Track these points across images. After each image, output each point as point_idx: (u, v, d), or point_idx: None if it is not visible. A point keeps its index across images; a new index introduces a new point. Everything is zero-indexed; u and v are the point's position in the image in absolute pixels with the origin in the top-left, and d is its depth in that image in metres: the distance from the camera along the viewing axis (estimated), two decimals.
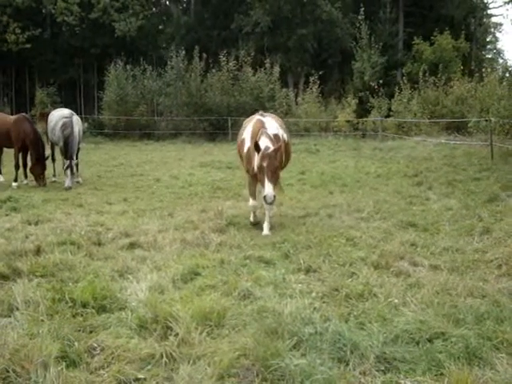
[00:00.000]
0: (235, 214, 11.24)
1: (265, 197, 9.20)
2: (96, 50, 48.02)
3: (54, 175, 17.44)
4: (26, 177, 16.68)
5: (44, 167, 16.22)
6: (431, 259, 7.79)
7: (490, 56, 52.12)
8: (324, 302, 6.02)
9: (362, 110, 34.40)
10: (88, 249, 8.43)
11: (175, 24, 51.12)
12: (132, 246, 8.78)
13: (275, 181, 9.42)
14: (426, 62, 35.15)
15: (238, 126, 19.38)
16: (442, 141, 25.12)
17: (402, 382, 4.27)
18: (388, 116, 31.86)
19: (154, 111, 38.37)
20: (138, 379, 4.37)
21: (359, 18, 37.27)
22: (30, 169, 16.25)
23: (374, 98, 33.52)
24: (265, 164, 9.24)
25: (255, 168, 9.62)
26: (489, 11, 57.43)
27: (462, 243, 8.68)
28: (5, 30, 46.14)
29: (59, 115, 17.16)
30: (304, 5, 45.45)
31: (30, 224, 10.43)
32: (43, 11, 49.46)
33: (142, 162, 23.28)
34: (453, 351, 4.59)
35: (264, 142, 9.46)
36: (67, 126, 16.30)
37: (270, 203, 9.31)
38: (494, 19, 61.17)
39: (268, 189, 9.13)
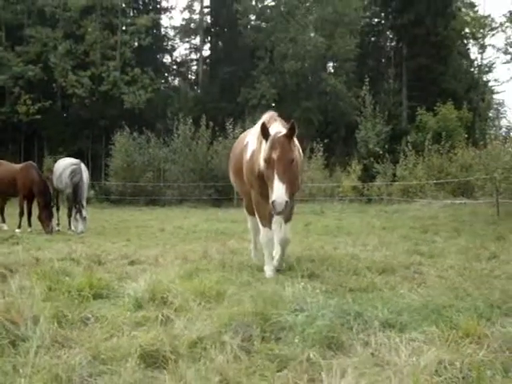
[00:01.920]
0: (239, 247, 11.08)
1: (273, 202, 6.23)
2: (105, 121, 48.81)
3: (58, 224, 17.37)
4: (29, 225, 16.60)
5: (52, 214, 16.19)
6: (438, 271, 7.59)
7: (493, 131, 52.54)
8: (327, 293, 5.82)
9: (367, 177, 34.56)
10: (88, 265, 8.27)
11: (183, 97, 52.30)
12: (132, 263, 8.63)
13: (288, 181, 6.53)
14: (429, 130, 35.52)
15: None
16: (448, 201, 25.06)
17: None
18: (393, 182, 31.96)
19: (160, 178, 38.65)
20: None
21: (363, 89, 37.98)
22: (38, 216, 16.18)
23: (378, 164, 33.74)
24: (275, 155, 6.51)
25: (261, 163, 6.98)
26: (491, 88, 58.61)
27: (470, 265, 8.47)
28: (16, 101, 47.09)
29: (67, 163, 17.32)
30: (309, 78, 46.49)
31: (30, 250, 10.30)
32: (54, 84, 50.71)
33: (147, 219, 23.25)
34: (462, 311, 4.40)
35: (275, 127, 7.03)
36: (76, 172, 16.45)
37: (280, 212, 6.34)
38: (496, 96, 62.45)
39: (278, 191, 6.27)
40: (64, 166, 17.19)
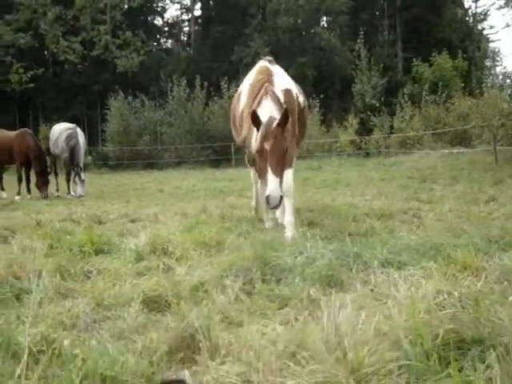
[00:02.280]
0: (238, 203, 11.11)
1: (267, 197, 5.84)
2: (98, 86, 48.53)
3: (58, 190, 17.33)
4: (29, 192, 16.57)
5: (48, 180, 16.20)
6: (436, 215, 7.63)
7: (489, 79, 52.14)
8: (327, 239, 5.86)
9: (364, 130, 34.45)
10: (88, 224, 8.30)
11: (176, 59, 51.84)
12: (132, 221, 8.67)
13: (282, 173, 6.13)
14: (426, 81, 35.27)
15: (241, 152, 19.28)
16: (446, 151, 25.04)
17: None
18: (391, 134, 31.87)
19: (156, 141, 38.53)
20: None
21: (358, 42, 37.61)
22: (36, 182, 16.20)
23: (375, 117, 33.60)
24: (267, 146, 6.00)
25: (252, 151, 6.63)
26: (486, 36, 57.99)
27: (468, 208, 8.49)
28: (8, 70, 46.64)
29: (62, 128, 17.26)
30: (302, 34, 46.01)
31: (30, 214, 10.32)
32: (46, 51, 50.21)
33: (145, 182, 23.26)
34: (460, 247, 4.43)
35: (267, 110, 6.35)
36: (72, 136, 16.43)
37: (274, 207, 6.01)
38: (492, 44, 61.85)
39: (272, 185, 5.85)
40: (60, 130, 17.14)
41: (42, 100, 49.68)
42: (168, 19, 64.72)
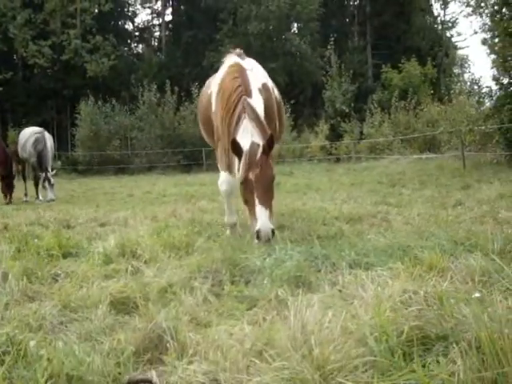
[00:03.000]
0: (209, 207, 11.10)
1: (258, 232, 5.27)
2: (69, 91, 48.06)
3: (26, 194, 17.12)
4: None
5: (12, 185, 15.98)
6: (404, 219, 7.70)
7: (458, 86, 52.96)
8: (296, 242, 5.88)
9: (335, 136, 34.68)
10: (56, 229, 8.21)
11: (147, 64, 51.61)
12: (102, 225, 8.62)
13: (271, 203, 5.67)
14: (395, 88, 35.69)
15: (212, 158, 19.26)
16: (415, 156, 25.33)
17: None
18: (360, 140, 32.16)
19: (127, 146, 38.32)
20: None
21: (328, 48, 37.88)
22: (0, 187, 16.02)
23: (345, 123, 33.87)
24: (253, 177, 5.49)
25: (237, 180, 5.96)
26: (455, 43, 58.84)
27: (436, 212, 8.58)
28: None
29: (30, 132, 17.12)
30: (273, 40, 46.21)
31: None
32: (15, 54, 49.62)
33: (115, 187, 23.09)
34: (426, 249, 4.49)
35: (247, 135, 5.75)
36: (40, 140, 16.29)
37: (268, 241, 5.26)
38: (460, 52, 62.84)
39: (262, 218, 5.32)
40: (27, 134, 17.00)
41: (11, 104, 48.97)
42: (139, 24, 64.43)
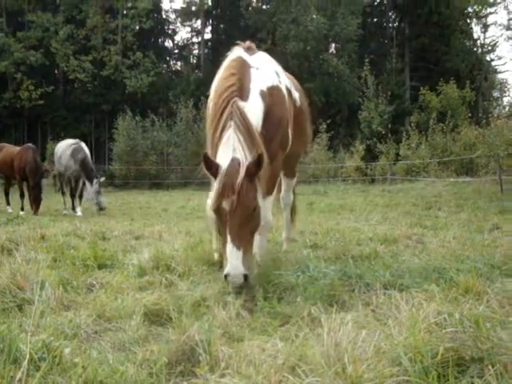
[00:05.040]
0: None
1: (226, 276, 4.20)
2: (107, 106, 48.93)
3: (65, 208, 17.27)
4: (22, 209, 16.63)
5: (39, 196, 16.14)
6: (440, 241, 7.61)
7: (496, 110, 52.56)
8: (330, 260, 5.86)
9: (370, 157, 34.52)
10: (92, 240, 8.32)
11: (185, 81, 52.23)
12: (137, 238, 8.71)
13: (248, 242, 4.43)
14: (433, 110, 35.43)
15: None
16: (451, 179, 25.06)
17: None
18: (396, 161, 31.94)
19: (163, 161, 38.73)
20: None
21: (365, 69, 37.85)
22: (29, 198, 16.32)
23: (382, 144, 33.71)
24: (227, 206, 4.30)
25: (208, 207, 4.82)
26: (495, 67, 58.32)
27: (472, 236, 8.46)
28: (18, 87, 47.24)
29: (65, 144, 17.33)
30: (311, 60, 46.37)
31: (35, 229, 10.34)
32: (56, 69, 50.78)
33: (150, 201, 23.33)
34: (462, 272, 4.43)
35: (227, 150, 4.51)
36: (78, 150, 16.50)
37: (239, 287, 4.24)
38: (500, 75, 62.22)
39: (232, 260, 4.21)
40: (64, 147, 17.17)
41: (51, 117, 50.08)
42: (178, 42, 65.42)
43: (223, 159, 4.44)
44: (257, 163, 4.35)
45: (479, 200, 17.60)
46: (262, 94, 5.07)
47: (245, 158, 4.42)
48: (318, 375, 2.45)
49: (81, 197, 16.92)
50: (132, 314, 3.69)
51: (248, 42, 5.79)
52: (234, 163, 4.37)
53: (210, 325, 3.29)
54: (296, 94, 6.25)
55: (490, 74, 55.77)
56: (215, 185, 4.39)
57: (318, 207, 16.89)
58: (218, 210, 4.36)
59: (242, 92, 4.84)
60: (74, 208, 16.80)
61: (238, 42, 5.81)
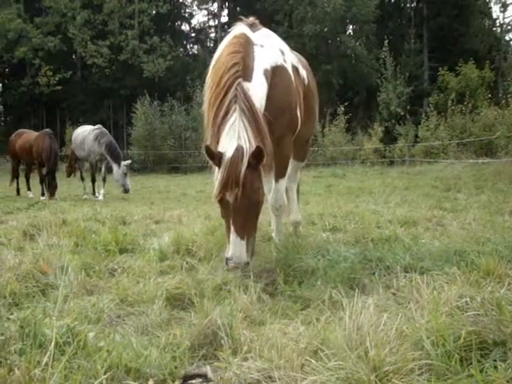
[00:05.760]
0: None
1: (227, 260, 4.31)
2: (125, 90, 49.01)
3: (86, 193, 17.38)
4: (42, 194, 16.81)
5: (55, 183, 16.23)
6: (460, 224, 7.57)
7: None
8: (350, 244, 5.87)
9: (389, 139, 34.33)
10: (113, 225, 8.38)
11: (202, 64, 52.09)
12: (157, 222, 8.77)
13: (251, 232, 4.46)
14: (451, 91, 35.06)
15: None
16: (471, 161, 24.86)
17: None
18: (415, 143, 31.73)
19: (181, 145, 38.79)
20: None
21: (383, 50, 37.52)
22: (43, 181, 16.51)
23: (400, 125, 33.48)
24: (230, 198, 4.25)
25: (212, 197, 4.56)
26: None
27: (492, 218, 8.40)
28: (37, 73, 47.46)
29: (86, 129, 17.33)
30: (328, 41, 46.04)
31: (56, 213, 10.44)
32: (74, 54, 50.95)
33: (169, 185, 23.42)
34: (483, 254, 4.41)
35: (232, 138, 4.32)
36: (103, 133, 16.58)
37: (237, 268, 4.27)
38: None
39: (236, 247, 4.25)
40: (85, 132, 17.18)
41: (70, 103, 50.36)
42: (195, 25, 65.31)
43: (227, 147, 4.28)
44: (257, 155, 4.18)
45: (499, 181, 17.43)
46: (266, 73, 4.83)
47: (250, 146, 4.25)
48: (341, 359, 2.46)
49: (104, 180, 17.02)
50: (154, 298, 3.73)
51: (252, 18, 5.46)
52: (239, 152, 4.21)
53: (231, 309, 3.32)
54: (304, 73, 5.96)
55: (510, 54, 54.89)
56: (218, 174, 4.27)
57: (336, 190, 16.85)
58: (221, 200, 4.32)
59: (245, 72, 4.59)
60: (94, 193, 16.90)
61: (241, 17, 5.51)
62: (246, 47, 4.78)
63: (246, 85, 4.49)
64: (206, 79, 4.98)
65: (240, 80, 4.46)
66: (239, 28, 5.13)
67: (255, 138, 4.30)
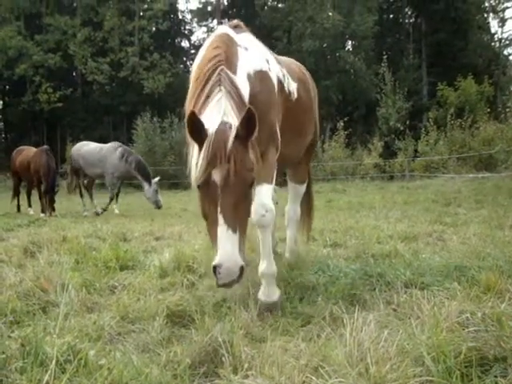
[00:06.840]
0: None
1: (215, 268, 3.37)
2: (126, 107, 49.13)
3: (87, 210, 17.22)
4: (43, 211, 16.79)
5: (53, 199, 16.26)
6: (460, 238, 7.57)
7: None
8: (350, 259, 5.87)
9: (388, 154, 34.39)
10: (113, 241, 8.38)
11: None
12: (157, 239, 8.77)
13: (244, 224, 3.62)
14: (451, 106, 35.16)
15: None
16: (471, 175, 24.90)
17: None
18: (415, 158, 31.79)
19: (181, 162, 38.82)
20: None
21: (382, 65, 37.70)
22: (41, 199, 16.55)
23: (400, 140, 33.57)
24: (217, 177, 3.46)
25: (192, 182, 3.75)
26: None
27: (492, 232, 8.40)
28: (37, 90, 47.59)
29: (102, 148, 17.05)
30: (328, 57, 46.26)
31: (57, 230, 10.45)
32: (74, 71, 51.21)
33: (170, 201, 23.40)
34: (483, 269, 4.42)
35: (217, 113, 3.68)
36: (128, 152, 16.60)
37: (229, 284, 3.41)
38: None
39: (224, 248, 3.39)
40: (102, 151, 16.87)
41: (70, 120, 50.47)
42: (195, 42, 65.52)
43: (210, 123, 3.55)
44: (248, 123, 3.45)
45: (499, 196, 17.43)
46: (249, 77, 4.24)
47: (236, 122, 3.58)
48: (342, 376, 2.47)
49: (117, 196, 17.15)
50: (155, 316, 3.74)
51: (236, 20, 4.89)
52: (225, 127, 3.52)
53: (232, 326, 3.31)
54: (293, 86, 5.14)
55: (508, 69, 55.10)
56: (201, 153, 3.47)
57: (336, 205, 16.85)
58: (206, 183, 3.48)
59: (228, 65, 4.01)
60: (105, 209, 16.68)
61: (222, 21, 4.69)
62: (229, 45, 4.24)
63: (230, 72, 3.95)
64: (190, 78, 4.42)
65: (223, 67, 3.93)
66: (222, 28, 4.60)
67: (240, 116, 3.56)
